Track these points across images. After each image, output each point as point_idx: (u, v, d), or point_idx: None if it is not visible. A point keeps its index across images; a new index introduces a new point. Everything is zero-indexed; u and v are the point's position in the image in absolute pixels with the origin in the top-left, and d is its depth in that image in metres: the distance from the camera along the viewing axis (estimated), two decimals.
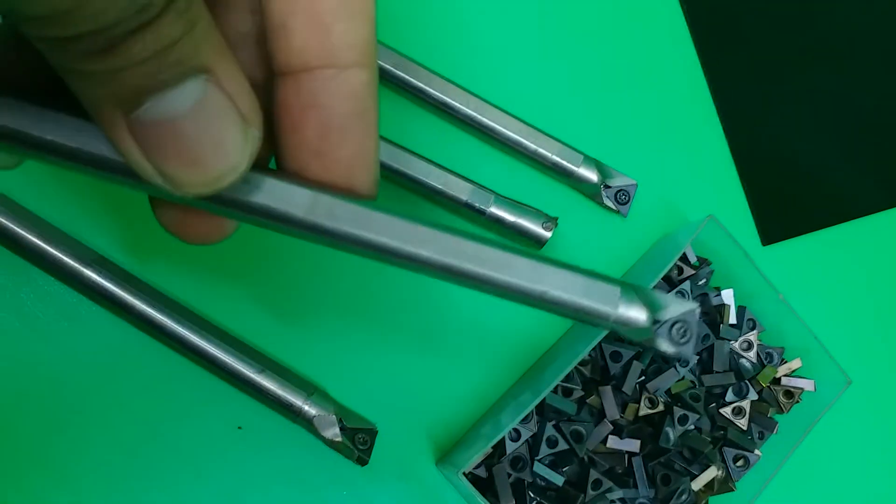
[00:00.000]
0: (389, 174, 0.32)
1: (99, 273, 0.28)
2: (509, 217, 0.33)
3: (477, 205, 0.32)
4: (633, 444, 0.32)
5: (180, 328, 0.29)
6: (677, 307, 0.17)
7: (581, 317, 0.17)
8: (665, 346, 0.17)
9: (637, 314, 0.17)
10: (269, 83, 0.17)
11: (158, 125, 0.14)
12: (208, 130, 0.14)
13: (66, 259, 0.28)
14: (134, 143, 0.14)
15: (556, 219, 0.33)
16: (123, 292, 0.28)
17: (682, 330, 0.17)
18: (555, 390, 0.32)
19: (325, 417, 0.29)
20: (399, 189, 0.33)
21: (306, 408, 0.29)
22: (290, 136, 0.16)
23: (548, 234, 0.33)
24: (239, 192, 0.15)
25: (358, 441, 0.30)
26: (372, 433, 0.30)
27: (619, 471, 0.32)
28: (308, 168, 0.17)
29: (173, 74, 0.13)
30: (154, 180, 0.14)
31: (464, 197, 0.32)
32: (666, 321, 0.17)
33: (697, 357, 0.34)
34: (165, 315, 0.29)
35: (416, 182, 0.32)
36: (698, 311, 0.17)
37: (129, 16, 0.12)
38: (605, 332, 0.30)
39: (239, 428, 0.30)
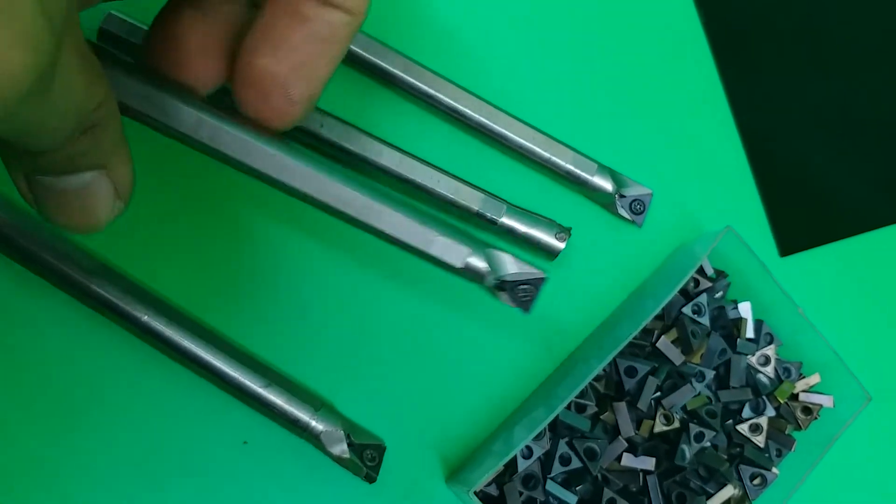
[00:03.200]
0: (397, 182, 0.31)
1: (101, 286, 0.27)
2: (522, 227, 0.32)
3: (488, 214, 0.31)
4: (648, 462, 0.31)
5: (185, 341, 0.28)
6: (518, 269, 0.21)
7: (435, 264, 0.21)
8: (506, 301, 0.21)
9: (481, 267, 0.21)
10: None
11: (49, 189, 0.17)
12: (86, 203, 0.18)
13: (66, 269, 0.27)
14: (25, 186, 0.17)
15: (569, 229, 0.32)
16: (125, 305, 0.28)
17: (524, 291, 0.21)
18: (568, 406, 0.31)
19: (333, 433, 0.29)
20: (408, 198, 0.32)
21: (313, 423, 0.29)
22: (263, 23, 0.19)
23: (561, 245, 0.32)
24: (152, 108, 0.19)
25: (366, 457, 0.29)
26: (380, 449, 0.29)
27: (634, 489, 0.31)
28: (260, 51, 0.19)
29: (72, 170, 0.17)
30: (32, 208, 0.18)
31: (475, 206, 0.31)
32: (512, 281, 0.21)
33: (714, 372, 0.33)
34: (169, 327, 0.28)
35: (426, 190, 0.31)
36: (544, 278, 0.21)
37: (50, 146, 0.15)
38: (620, 347, 0.29)
39: (245, 442, 0.29)
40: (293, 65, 0.19)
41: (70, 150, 0.16)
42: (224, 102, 0.20)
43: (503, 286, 0.21)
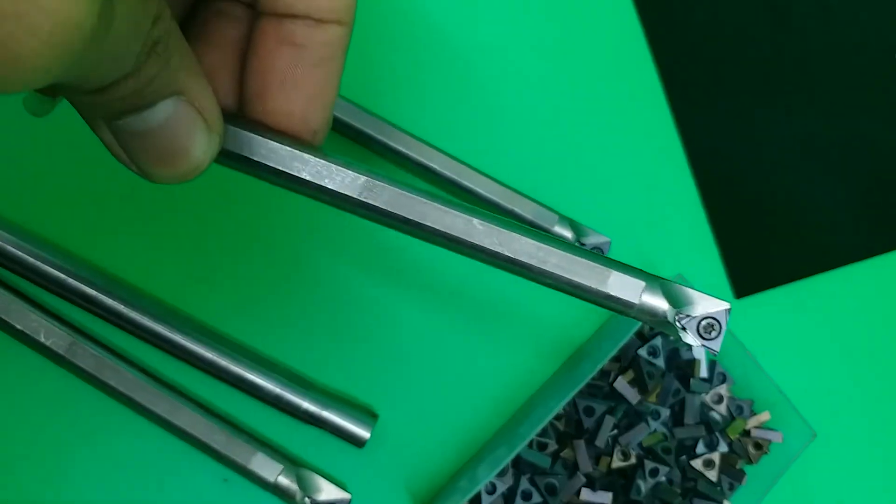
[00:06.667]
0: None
1: (77, 355, 0.29)
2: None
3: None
4: (606, 497, 0.33)
5: (144, 401, 0.30)
6: (707, 304, 0.18)
7: (609, 305, 0.19)
8: (691, 340, 0.18)
9: (659, 305, 0.18)
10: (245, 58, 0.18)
11: (135, 134, 0.16)
12: (176, 139, 0.16)
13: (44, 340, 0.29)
14: (114, 142, 0.16)
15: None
16: (99, 375, 0.30)
17: (709, 326, 0.18)
18: (530, 444, 0.33)
19: (295, 493, 0.30)
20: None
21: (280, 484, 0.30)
22: (262, 62, 0.18)
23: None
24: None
25: None
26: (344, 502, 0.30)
27: None
28: (268, 94, 0.18)
29: (149, 100, 0.15)
30: (131, 169, 0.17)
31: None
32: (694, 317, 0.18)
33: (669, 410, 0.35)
34: (143, 389, 0.30)
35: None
36: (728, 309, 0.18)
37: (118, 75, 0.14)
38: (578, 387, 0.32)
39: (225, 480, 0.31)
40: (305, 100, 0.18)
41: (140, 76, 0.15)
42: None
43: (686, 324, 0.18)
